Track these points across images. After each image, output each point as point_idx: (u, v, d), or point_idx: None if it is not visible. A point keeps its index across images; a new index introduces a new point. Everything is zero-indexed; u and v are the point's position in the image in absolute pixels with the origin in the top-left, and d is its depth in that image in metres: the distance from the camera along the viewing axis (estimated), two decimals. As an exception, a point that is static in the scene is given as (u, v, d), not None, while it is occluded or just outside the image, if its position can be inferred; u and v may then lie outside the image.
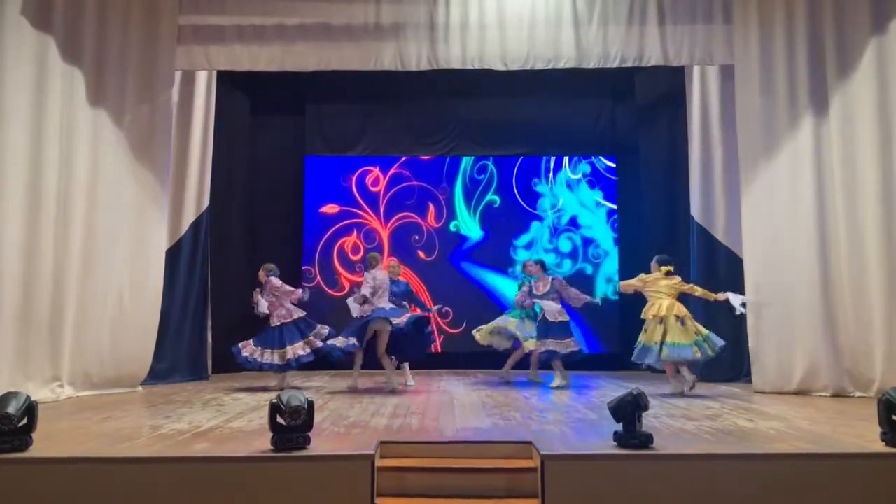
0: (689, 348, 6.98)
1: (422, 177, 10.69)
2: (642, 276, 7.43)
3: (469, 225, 10.56)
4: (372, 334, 7.39)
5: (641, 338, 7.22)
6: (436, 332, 9.83)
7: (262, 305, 7.66)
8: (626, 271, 9.49)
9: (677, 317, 7.07)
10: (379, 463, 4.19)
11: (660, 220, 9.92)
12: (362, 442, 4.48)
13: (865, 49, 7.11)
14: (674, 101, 9.53)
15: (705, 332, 7.13)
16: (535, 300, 7.94)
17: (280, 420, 4.10)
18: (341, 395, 7.20)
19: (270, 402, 4.16)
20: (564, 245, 10.43)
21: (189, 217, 8.89)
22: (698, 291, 7.37)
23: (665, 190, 9.91)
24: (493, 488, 4.18)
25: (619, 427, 4.23)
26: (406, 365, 8.12)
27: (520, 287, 8.48)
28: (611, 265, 10.41)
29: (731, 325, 8.37)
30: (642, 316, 7.29)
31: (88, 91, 7.32)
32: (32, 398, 4.25)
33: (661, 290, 7.22)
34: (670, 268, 7.34)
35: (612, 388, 7.61)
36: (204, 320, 9.13)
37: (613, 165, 10.68)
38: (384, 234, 10.55)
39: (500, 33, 7.83)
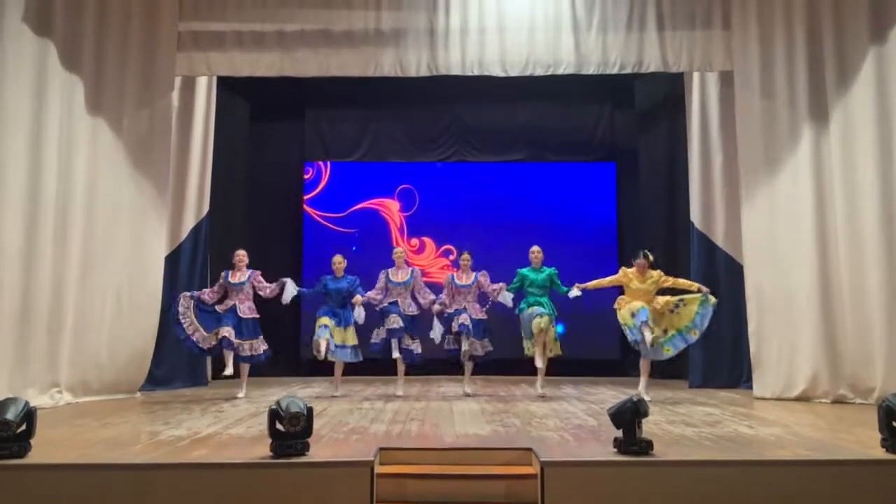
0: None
1: (421, 182, 10.69)
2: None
3: (468, 231, 10.52)
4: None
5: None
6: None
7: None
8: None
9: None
10: (378, 469, 4.18)
11: (659, 226, 9.91)
12: (361, 448, 4.47)
13: (865, 57, 7.11)
14: (673, 106, 9.54)
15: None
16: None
17: (279, 426, 4.10)
18: (340, 401, 7.18)
19: (269, 409, 4.16)
20: (563, 251, 10.39)
21: (189, 223, 8.88)
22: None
23: (664, 195, 9.92)
24: (493, 495, 4.17)
25: (619, 433, 4.23)
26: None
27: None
28: (610, 271, 10.37)
29: (731, 332, 8.37)
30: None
31: (88, 97, 7.32)
32: (31, 404, 4.25)
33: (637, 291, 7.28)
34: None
35: (611, 395, 7.60)
36: (203, 326, 9.11)
37: (613, 171, 10.68)
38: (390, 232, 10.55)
39: (499, 39, 7.84)
